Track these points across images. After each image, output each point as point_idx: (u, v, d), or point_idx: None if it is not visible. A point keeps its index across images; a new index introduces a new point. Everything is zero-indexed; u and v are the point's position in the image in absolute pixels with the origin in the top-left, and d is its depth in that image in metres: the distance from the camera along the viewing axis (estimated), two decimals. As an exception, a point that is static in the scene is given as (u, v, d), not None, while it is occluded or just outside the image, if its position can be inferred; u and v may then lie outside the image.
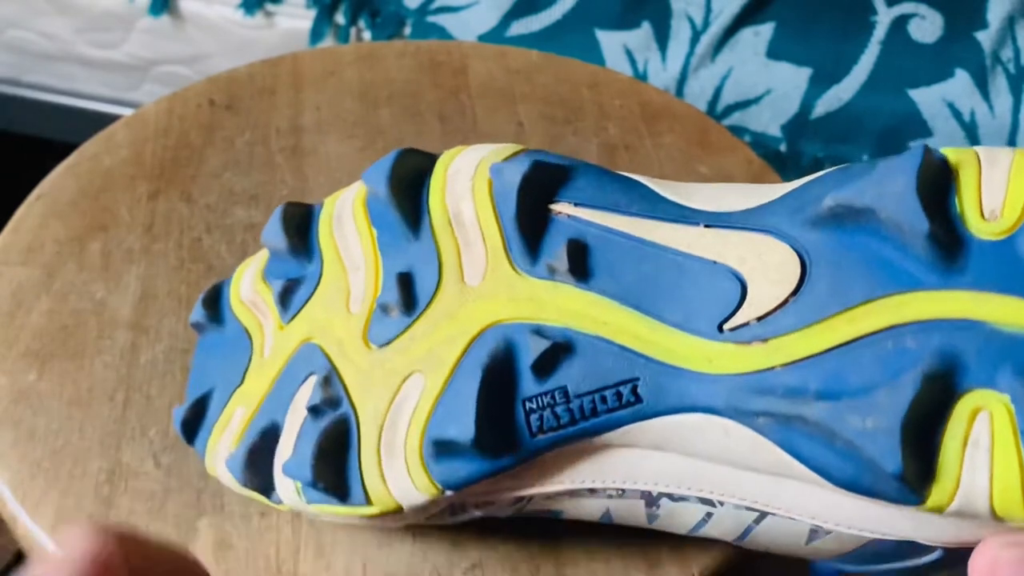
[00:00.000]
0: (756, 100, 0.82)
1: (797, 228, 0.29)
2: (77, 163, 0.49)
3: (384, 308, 0.32)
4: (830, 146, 0.82)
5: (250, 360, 0.35)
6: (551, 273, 0.31)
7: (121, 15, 0.96)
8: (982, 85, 0.80)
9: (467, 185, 0.33)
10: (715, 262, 0.30)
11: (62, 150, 0.52)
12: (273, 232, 0.35)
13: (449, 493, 0.30)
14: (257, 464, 0.33)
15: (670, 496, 0.31)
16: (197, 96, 0.52)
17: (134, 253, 0.45)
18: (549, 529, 0.36)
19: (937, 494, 0.25)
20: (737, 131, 0.83)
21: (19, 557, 0.76)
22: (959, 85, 0.80)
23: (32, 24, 1.00)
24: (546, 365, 0.30)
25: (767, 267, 0.29)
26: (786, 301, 0.28)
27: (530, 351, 0.30)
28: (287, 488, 0.32)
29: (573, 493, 0.31)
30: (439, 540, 0.36)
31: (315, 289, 0.34)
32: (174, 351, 0.42)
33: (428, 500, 0.31)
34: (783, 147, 0.82)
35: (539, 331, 0.30)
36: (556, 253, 0.31)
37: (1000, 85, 0.80)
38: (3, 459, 0.39)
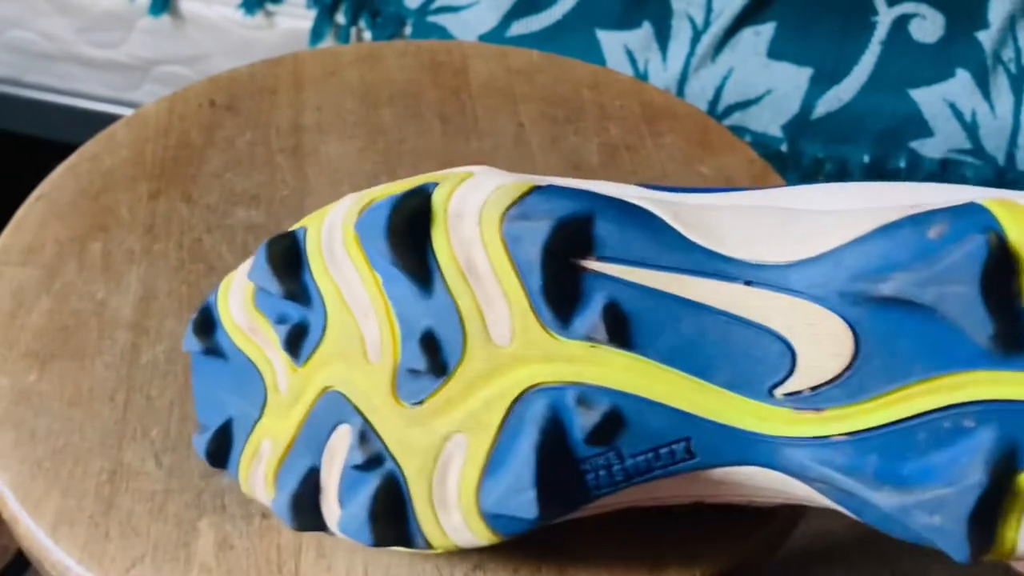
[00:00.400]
0: (757, 100, 0.82)
1: (848, 301, 0.28)
2: (77, 163, 0.49)
3: (412, 372, 0.31)
4: (831, 146, 0.82)
5: (266, 395, 0.34)
6: (588, 339, 0.30)
7: (121, 15, 0.96)
8: (983, 85, 0.80)
9: (474, 232, 0.30)
10: (760, 325, 0.29)
11: (62, 150, 0.52)
12: (263, 276, 0.33)
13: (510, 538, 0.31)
14: (304, 510, 0.33)
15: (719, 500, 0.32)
16: (198, 96, 0.52)
17: (135, 253, 0.45)
18: (551, 530, 0.36)
19: (993, 556, 0.27)
20: (738, 131, 0.82)
21: (19, 557, 0.76)
22: (960, 85, 0.80)
23: (32, 24, 1.00)
24: (599, 436, 0.30)
25: (819, 338, 0.28)
26: (841, 375, 0.28)
27: (580, 423, 0.30)
28: (341, 535, 0.33)
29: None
30: (440, 541, 0.36)
31: (323, 333, 0.33)
32: (175, 352, 0.42)
33: (489, 544, 0.31)
34: (784, 147, 0.82)
35: (583, 397, 0.30)
36: (592, 323, 0.30)
37: (1001, 85, 0.80)
38: (4, 459, 0.39)
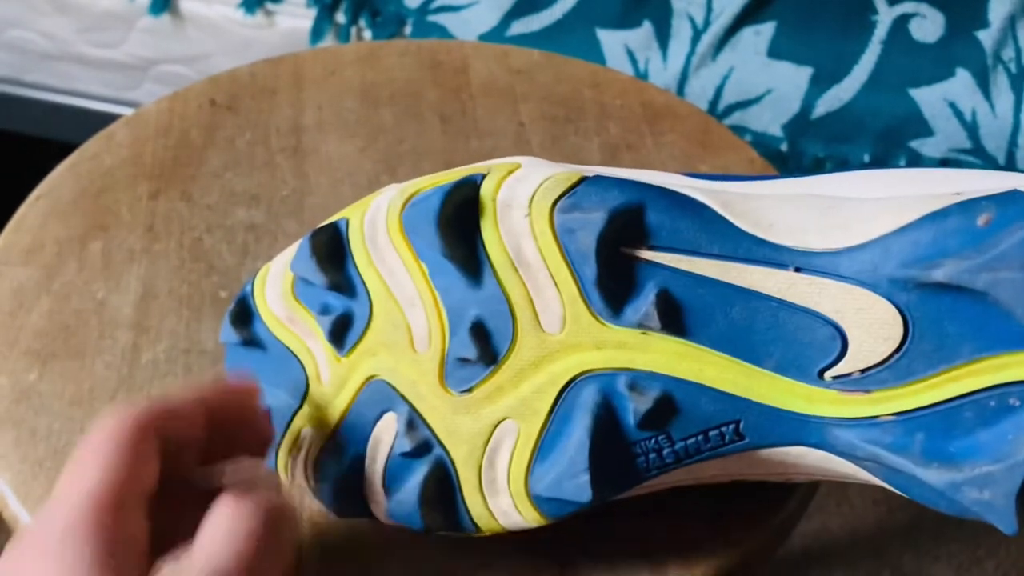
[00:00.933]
0: (757, 100, 0.82)
1: (898, 286, 0.29)
2: (77, 163, 0.49)
3: (462, 361, 0.32)
4: (831, 146, 0.82)
5: (307, 385, 0.34)
6: (640, 326, 0.30)
7: (121, 15, 0.96)
8: (983, 84, 0.80)
9: (523, 223, 0.31)
10: (810, 310, 0.30)
11: (62, 150, 0.52)
12: (307, 267, 0.33)
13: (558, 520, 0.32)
14: (348, 497, 0.33)
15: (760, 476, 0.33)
16: (198, 96, 0.52)
17: (135, 253, 0.45)
18: (551, 531, 0.36)
19: None
20: (738, 131, 0.83)
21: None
22: (960, 85, 0.80)
23: (32, 24, 1.00)
24: (651, 422, 0.31)
25: (869, 322, 0.29)
26: (890, 357, 0.29)
27: (633, 408, 0.30)
28: (390, 521, 0.34)
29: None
30: (442, 543, 0.36)
31: (368, 323, 0.33)
32: (175, 351, 0.42)
33: (536, 526, 0.32)
34: (784, 146, 0.82)
35: (636, 384, 0.31)
36: (645, 311, 0.30)
37: (1001, 84, 0.80)
38: (5, 459, 0.39)
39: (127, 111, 0.98)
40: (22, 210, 0.47)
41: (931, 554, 0.93)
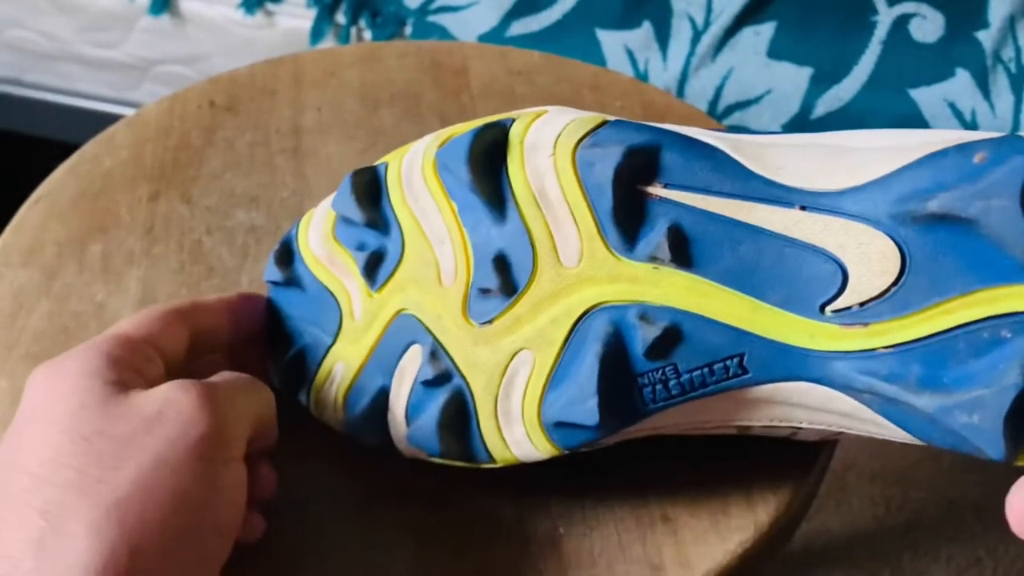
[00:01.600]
0: (757, 100, 0.82)
1: (897, 221, 0.30)
2: (77, 164, 0.49)
3: (483, 291, 0.33)
4: (831, 146, 0.82)
5: (340, 322, 0.36)
6: (652, 259, 0.32)
7: (121, 15, 0.96)
8: (983, 85, 0.80)
9: (548, 163, 0.33)
10: (814, 247, 0.31)
11: (62, 150, 0.52)
12: (346, 204, 0.36)
13: (568, 451, 0.33)
14: (373, 426, 0.35)
15: (764, 427, 0.33)
16: (198, 97, 0.52)
17: (134, 255, 0.45)
18: (551, 532, 0.36)
19: (1022, 460, 0.29)
20: (738, 131, 0.83)
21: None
22: (960, 85, 0.80)
23: (32, 24, 1.00)
24: (658, 350, 0.32)
25: (869, 257, 0.30)
26: (888, 290, 0.30)
27: (641, 337, 0.32)
28: (409, 448, 0.35)
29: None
30: (441, 546, 0.36)
31: (400, 260, 0.35)
32: (175, 353, 0.42)
33: (549, 457, 0.34)
34: (784, 147, 0.82)
35: (645, 314, 0.32)
36: (656, 244, 0.32)
37: (1001, 84, 0.80)
38: (4, 462, 0.38)
39: (127, 111, 0.98)
40: (22, 211, 0.47)
41: (931, 554, 0.93)
